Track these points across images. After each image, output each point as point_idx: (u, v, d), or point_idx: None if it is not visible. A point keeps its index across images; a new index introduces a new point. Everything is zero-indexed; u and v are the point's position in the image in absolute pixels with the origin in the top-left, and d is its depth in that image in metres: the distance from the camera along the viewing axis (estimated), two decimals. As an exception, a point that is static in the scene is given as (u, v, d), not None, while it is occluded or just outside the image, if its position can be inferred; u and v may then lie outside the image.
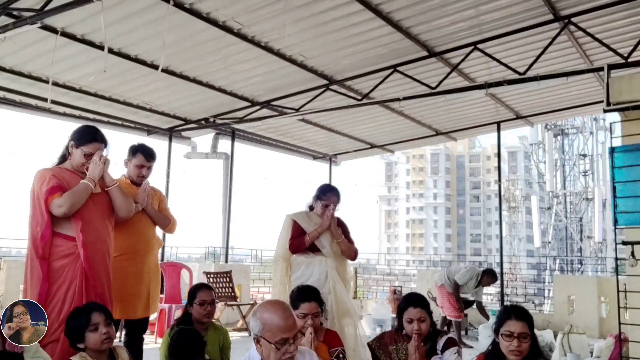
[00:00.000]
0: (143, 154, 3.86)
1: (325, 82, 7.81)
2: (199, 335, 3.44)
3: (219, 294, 8.40)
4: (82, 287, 3.10)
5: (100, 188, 3.34)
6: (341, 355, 3.30)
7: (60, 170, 3.28)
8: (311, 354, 2.58)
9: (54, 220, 3.13)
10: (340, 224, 4.38)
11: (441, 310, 8.22)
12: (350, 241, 4.38)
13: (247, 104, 8.55)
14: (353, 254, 4.39)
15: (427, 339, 3.27)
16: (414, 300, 3.35)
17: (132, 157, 3.86)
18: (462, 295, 8.20)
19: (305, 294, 3.30)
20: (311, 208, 4.39)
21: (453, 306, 7.98)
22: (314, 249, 4.24)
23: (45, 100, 7.62)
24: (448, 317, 8.11)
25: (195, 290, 3.74)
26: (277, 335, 2.24)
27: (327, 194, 4.29)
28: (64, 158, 3.36)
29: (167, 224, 4.00)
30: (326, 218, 4.17)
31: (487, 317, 8.28)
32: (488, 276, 8.14)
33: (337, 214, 4.33)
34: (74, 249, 3.13)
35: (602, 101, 5.67)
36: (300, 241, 4.22)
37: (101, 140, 3.34)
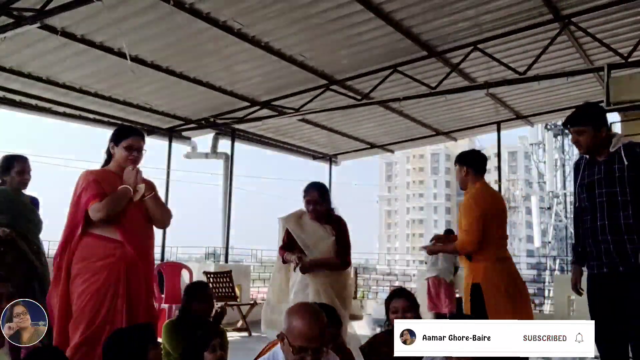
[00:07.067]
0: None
1: (325, 82, 7.80)
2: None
3: (219, 294, 8.39)
4: (123, 289, 3.07)
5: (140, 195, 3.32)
6: None
7: (104, 172, 3.27)
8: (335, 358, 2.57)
9: (94, 223, 3.10)
10: (337, 222, 4.06)
11: (431, 308, 7.86)
12: (344, 247, 4.00)
13: (247, 104, 8.55)
14: (335, 263, 3.96)
15: None
16: (399, 292, 3.46)
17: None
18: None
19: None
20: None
21: (451, 297, 7.78)
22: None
23: (45, 100, 7.63)
24: (444, 312, 7.67)
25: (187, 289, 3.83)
26: (297, 341, 2.24)
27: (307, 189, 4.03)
28: (107, 162, 3.35)
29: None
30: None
31: None
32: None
33: (338, 213, 4.09)
34: (114, 250, 3.09)
35: (602, 101, 5.68)
36: (282, 256, 4.01)
37: (138, 133, 3.33)
